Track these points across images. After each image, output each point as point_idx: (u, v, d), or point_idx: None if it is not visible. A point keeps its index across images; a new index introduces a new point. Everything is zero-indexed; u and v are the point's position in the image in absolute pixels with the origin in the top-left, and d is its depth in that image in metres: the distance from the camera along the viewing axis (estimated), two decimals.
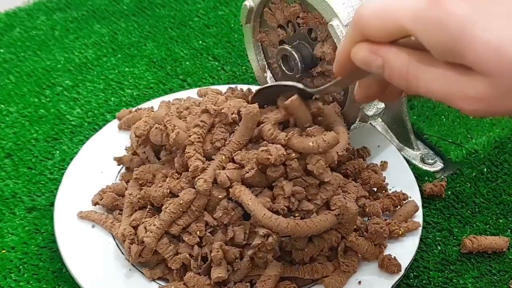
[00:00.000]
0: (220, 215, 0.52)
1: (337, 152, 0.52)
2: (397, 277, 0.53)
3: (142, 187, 0.57)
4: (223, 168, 0.52)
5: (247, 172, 0.51)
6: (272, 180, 0.52)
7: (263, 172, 0.52)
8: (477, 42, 0.30)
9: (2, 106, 0.76)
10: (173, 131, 0.54)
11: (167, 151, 0.58)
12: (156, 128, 0.57)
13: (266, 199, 0.51)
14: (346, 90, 0.57)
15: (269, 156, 0.49)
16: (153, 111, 0.65)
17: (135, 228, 0.55)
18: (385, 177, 0.61)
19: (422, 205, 0.60)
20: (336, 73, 0.40)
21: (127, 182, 0.60)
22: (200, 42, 0.88)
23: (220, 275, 0.51)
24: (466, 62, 0.31)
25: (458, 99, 0.32)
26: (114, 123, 0.68)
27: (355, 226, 0.55)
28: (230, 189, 0.51)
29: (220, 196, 0.52)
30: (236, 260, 0.52)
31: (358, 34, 0.35)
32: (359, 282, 0.54)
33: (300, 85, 0.51)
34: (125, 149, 0.64)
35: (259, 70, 0.66)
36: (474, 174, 0.67)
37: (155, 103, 0.69)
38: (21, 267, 0.58)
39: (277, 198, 0.51)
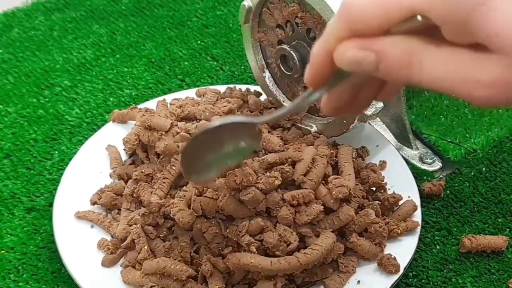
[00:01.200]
0: (198, 240, 0.53)
1: (348, 188, 0.53)
2: (396, 277, 0.53)
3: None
4: (200, 194, 0.53)
5: (221, 201, 0.51)
6: (249, 205, 0.51)
7: (241, 201, 0.51)
8: (496, 13, 0.27)
9: (1, 106, 0.76)
10: (159, 139, 0.56)
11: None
12: (145, 130, 0.58)
13: (272, 237, 0.51)
14: None
15: (235, 178, 0.49)
16: (147, 111, 0.65)
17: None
18: (384, 176, 0.61)
19: (421, 205, 0.60)
20: (311, 82, 0.34)
21: (126, 181, 0.60)
22: (199, 42, 0.88)
23: (217, 286, 0.51)
24: (481, 38, 0.27)
25: (468, 86, 0.28)
26: (113, 123, 0.68)
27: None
28: (228, 262, 0.51)
29: (190, 222, 0.52)
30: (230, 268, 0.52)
31: (345, 29, 0.31)
32: (358, 282, 0.54)
33: (240, 119, 0.46)
34: (124, 150, 0.64)
35: (258, 70, 0.66)
36: (472, 173, 0.67)
37: (153, 103, 0.70)
38: (20, 267, 0.58)
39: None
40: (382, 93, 0.37)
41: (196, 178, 0.48)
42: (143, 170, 0.57)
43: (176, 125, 0.59)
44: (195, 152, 0.45)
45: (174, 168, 0.55)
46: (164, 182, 0.55)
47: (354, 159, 0.60)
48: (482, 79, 0.28)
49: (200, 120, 0.61)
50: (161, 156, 0.58)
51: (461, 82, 0.28)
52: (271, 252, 0.51)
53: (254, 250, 0.51)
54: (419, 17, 0.30)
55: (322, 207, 0.52)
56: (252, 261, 0.50)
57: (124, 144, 0.63)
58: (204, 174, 0.47)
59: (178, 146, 0.56)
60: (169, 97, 0.70)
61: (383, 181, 0.60)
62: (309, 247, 0.51)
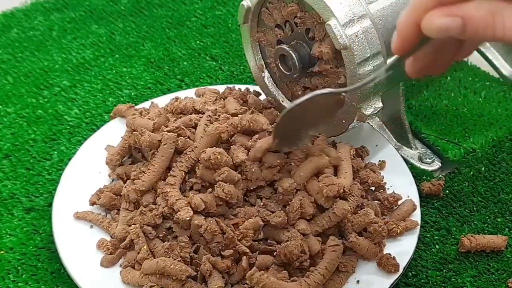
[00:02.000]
0: (197, 239, 0.53)
1: (344, 187, 0.53)
2: (395, 277, 0.54)
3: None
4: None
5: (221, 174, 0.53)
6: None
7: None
8: None
9: (0, 107, 0.76)
10: (141, 135, 0.56)
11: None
12: (132, 133, 0.59)
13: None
14: None
15: (204, 155, 0.53)
16: (143, 111, 0.66)
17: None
18: (383, 176, 0.61)
19: (420, 204, 0.60)
20: (400, 50, 0.38)
21: (124, 181, 0.60)
22: (198, 42, 0.88)
23: (216, 286, 0.51)
24: None
25: None
26: (112, 123, 0.68)
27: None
28: (249, 279, 0.50)
29: (187, 219, 0.52)
30: (232, 265, 0.52)
31: (431, 0, 0.34)
32: (358, 282, 0.54)
33: (327, 90, 0.48)
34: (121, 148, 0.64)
35: (257, 69, 0.66)
36: (472, 173, 0.67)
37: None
38: (19, 268, 0.58)
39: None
40: (461, 52, 0.39)
41: (288, 148, 0.55)
42: (141, 169, 0.58)
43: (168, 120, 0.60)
44: (285, 125, 0.50)
45: (155, 159, 0.56)
46: (149, 172, 0.56)
47: (352, 157, 0.60)
48: None
49: (199, 112, 0.62)
50: (151, 152, 0.58)
51: None
52: (285, 260, 0.52)
53: (249, 252, 0.52)
54: None
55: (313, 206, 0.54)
56: None
57: (106, 164, 0.63)
58: (293, 143, 0.54)
59: (160, 140, 0.57)
60: (168, 97, 0.70)
61: (382, 180, 0.60)
62: (324, 267, 0.52)
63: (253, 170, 0.54)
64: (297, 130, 0.53)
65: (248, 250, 0.52)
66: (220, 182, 0.53)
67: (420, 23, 0.35)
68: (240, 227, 0.52)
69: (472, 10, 0.33)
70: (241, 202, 0.54)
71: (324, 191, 0.52)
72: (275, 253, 0.53)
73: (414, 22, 0.35)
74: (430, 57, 0.39)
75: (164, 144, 0.56)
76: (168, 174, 0.56)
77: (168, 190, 0.54)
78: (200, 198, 0.52)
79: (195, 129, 0.59)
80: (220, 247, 0.52)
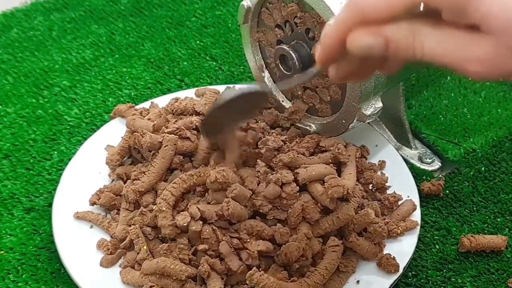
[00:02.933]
0: (195, 243, 0.53)
1: (348, 189, 0.53)
2: (395, 277, 0.54)
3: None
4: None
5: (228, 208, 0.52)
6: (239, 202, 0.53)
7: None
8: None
9: (0, 107, 0.76)
10: (142, 136, 0.56)
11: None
12: (132, 134, 0.59)
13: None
14: (344, 90, 0.57)
15: (209, 177, 0.53)
16: (143, 111, 0.66)
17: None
18: (387, 177, 0.61)
19: (420, 204, 0.60)
20: (323, 61, 0.39)
21: (124, 181, 0.60)
22: (198, 42, 0.88)
23: (215, 287, 0.51)
24: (474, 19, 0.31)
25: (463, 61, 0.32)
26: (112, 123, 0.68)
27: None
28: (249, 279, 0.50)
29: (185, 224, 0.52)
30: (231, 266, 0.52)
31: (356, 18, 0.35)
32: (358, 282, 0.54)
33: (254, 88, 0.50)
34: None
35: (257, 70, 0.66)
36: (472, 173, 0.67)
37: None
38: (19, 268, 0.58)
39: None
40: (386, 66, 0.40)
41: (213, 138, 0.56)
42: (141, 169, 0.57)
43: (168, 121, 0.60)
44: (212, 118, 0.51)
45: (156, 160, 0.56)
46: (149, 173, 0.56)
47: (357, 159, 0.60)
48: (475, 56, 0.32)
49: (200, 114, 0.62)
50: (151, 153, 0.58)
51: (457, 58, 0.33)
52: (285, 260, 0.52)
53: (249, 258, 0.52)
54: (421, 5, 0.34)
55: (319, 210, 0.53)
56: None
57: (106, 164, 0.63)
58: (220, 134, 0.55)
59: (161, 142, 0.57)
60: (168, 97, 0.70)
61: (386, 182, 0.60)
62: (324, 267, 0.52)
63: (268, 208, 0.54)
64: (224, 123, 0.53)
65: (252, 264, 0.52)
66: (229, 199, 0.52)
67: (343, 39, 0.36)
68: (249, 247, 0.52)
69: (393, 31, 0.34)
70: (246, 219, 0.54)
71: (330, 192, 0.52)
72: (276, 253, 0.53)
73: (338, 38, 0.36)
74: (354, 66, 0.40)
75: (164, 146, 0.56)
76: (168, 187, 0.55)
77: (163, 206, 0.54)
78: (197, 208, 0.52)
79: (196, 131, 0.59)
80: (216, 255, 0.52)
